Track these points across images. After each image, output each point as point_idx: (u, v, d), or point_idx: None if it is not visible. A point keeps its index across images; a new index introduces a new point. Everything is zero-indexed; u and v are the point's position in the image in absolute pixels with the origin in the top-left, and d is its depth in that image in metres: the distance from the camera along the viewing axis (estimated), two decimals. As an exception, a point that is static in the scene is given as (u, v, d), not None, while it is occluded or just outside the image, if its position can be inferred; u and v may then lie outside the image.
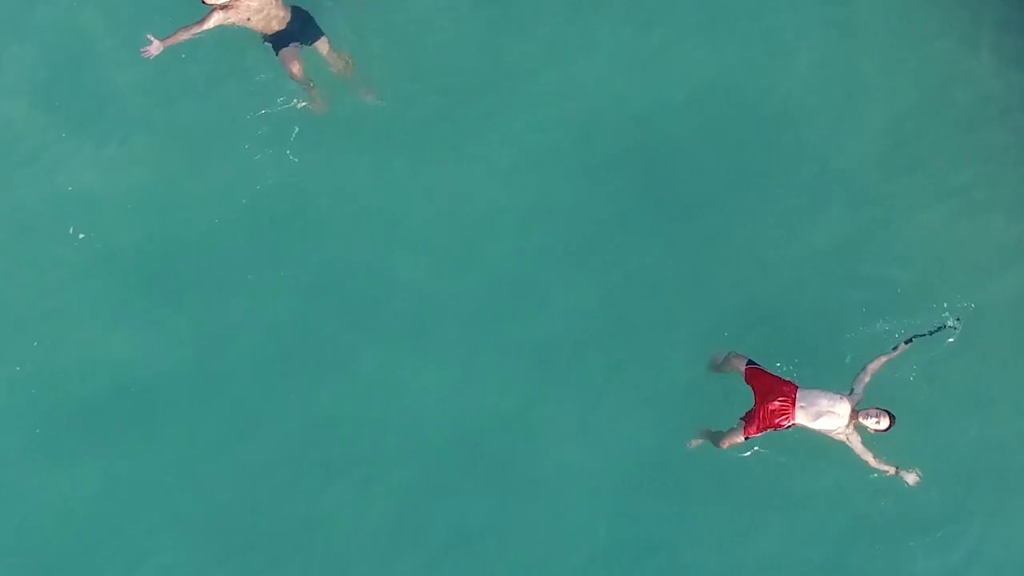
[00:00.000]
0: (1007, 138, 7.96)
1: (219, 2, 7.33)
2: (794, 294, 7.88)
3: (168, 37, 7.39)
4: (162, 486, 7.82)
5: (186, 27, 7.43)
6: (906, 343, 7.11)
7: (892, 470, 7.03)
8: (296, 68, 7.92)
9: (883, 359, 7.06)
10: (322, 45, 8.03)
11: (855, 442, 6.93)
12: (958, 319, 7.42)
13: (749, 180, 7.92)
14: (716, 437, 7.34)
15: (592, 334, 7.91)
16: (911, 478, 7.03)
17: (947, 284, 7.82)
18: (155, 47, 7.41)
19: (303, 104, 8.19)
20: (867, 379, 7.03)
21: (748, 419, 7.09)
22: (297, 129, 8.28)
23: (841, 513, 7.53)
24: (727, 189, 7.86)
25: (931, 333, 7.26)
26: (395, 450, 7.84)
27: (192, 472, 7.82)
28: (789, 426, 6.97)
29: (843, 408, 6.89)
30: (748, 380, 7.08)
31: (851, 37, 8.27)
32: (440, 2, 8.53)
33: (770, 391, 6.99)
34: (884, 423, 6.83)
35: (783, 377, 7.06)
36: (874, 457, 6.96)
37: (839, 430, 6.92)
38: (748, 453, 7.40)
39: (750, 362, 7.14)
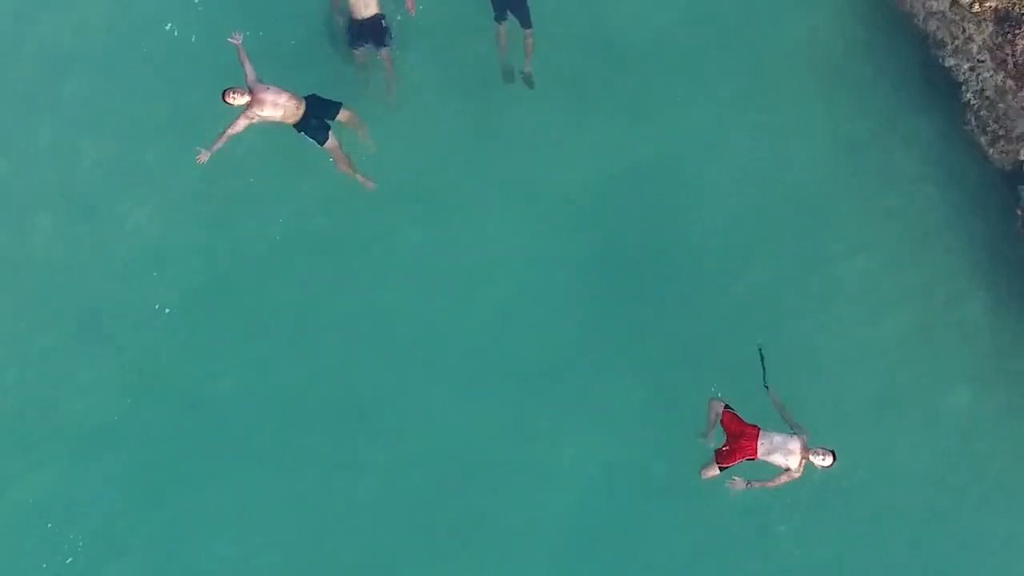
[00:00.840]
0: (901, 204, 9.82)
1: (241, 102, 8.99)
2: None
3: (212, 145, 9.06)
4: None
5: (221, 133, 9.08)
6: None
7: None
8: (334, 145, 9.66)
9: (778, 401, 8.60)
10: (342, 115, 9.64)
11: (796, 475, 8.35)
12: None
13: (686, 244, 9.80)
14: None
15: (575, 362, 9.74)
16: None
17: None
18: (204, 156, 9.12)
19: (340, 169, 9.89)
20: (788, 416, 8.49)
21: (720, 455, 8.60)
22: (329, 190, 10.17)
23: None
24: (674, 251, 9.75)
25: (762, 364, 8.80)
26: (408, 453, 9.66)
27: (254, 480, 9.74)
28: (752, 459, 8.48)
29: (796, 445, 8.29)
30: (724, 423, 8.60)
31: (771, 134, 10.06)
32: (438, 99, 10.31)
33: (740, 433, 8.51)
34: (828, 460, 8.24)
35: (746, 420, 8.55)
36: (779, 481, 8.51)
37: (791, 463, 8.29)
38: (726, 482, 8.68)
39: (727, 406, 8.65)
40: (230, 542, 9.63)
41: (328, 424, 9.72)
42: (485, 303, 9.76)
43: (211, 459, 9.73)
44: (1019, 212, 9.59)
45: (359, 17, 10.04)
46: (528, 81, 10.31)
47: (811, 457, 8.27)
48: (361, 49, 10.26)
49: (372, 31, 10.10)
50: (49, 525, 9.62)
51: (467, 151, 10.23)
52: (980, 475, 9.41)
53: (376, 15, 10.04)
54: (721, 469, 8.64)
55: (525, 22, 10.01)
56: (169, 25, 10.51)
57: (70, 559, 9.58)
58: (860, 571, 9.30)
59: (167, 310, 9.95)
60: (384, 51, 10.19)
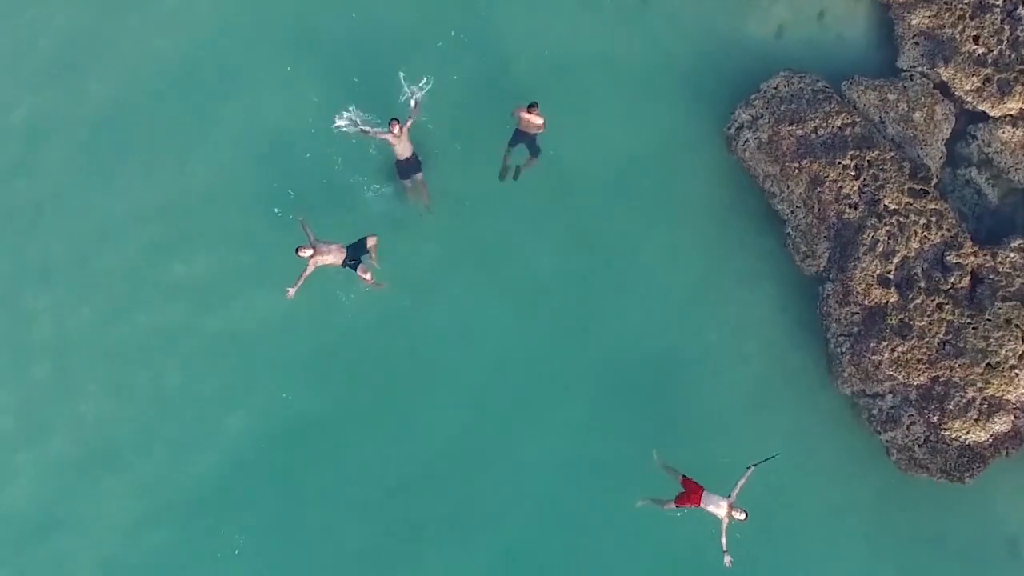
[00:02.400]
0: (744, 294, 15.44)
1: (308, 255, 14.06)
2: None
3: (295, 285, 14.07)
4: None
5: (299, 277, 14.06)
6: (750, 468, 13.47)
7: (724, 543, 13.42)
8: (367, 276, 14.63)
9: (743, 481, 13.40)
10: (370, 242, 14.62)
11: (724, 524, 13.34)
12: (777, 453, 13.82)
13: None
14: (660, 502, 13.83)
15: (537, 389, 14.99)
16: (727, 559, 13.51)
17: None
18: (291, 292, 14.16)
19: (365, 280, 14.76)
20: (738, 489, 13.36)
21: (678, 498, 13.64)
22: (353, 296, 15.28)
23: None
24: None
25: (764, 461, 13.64)
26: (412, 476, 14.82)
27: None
28: (696, 506, 13.60)
29: (724, 504, 13.37)
30: (682, 483, 13.68)
31: (663, 244, 15.57)
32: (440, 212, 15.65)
33: (691, 490, 13.59)
34: (742, 516, 13.33)
35: (698, 482, 13.62)
36: (725, 534, 13.42)
37: (722, 515, 13.31)
38: (678, 514, 13.89)
39: (684, 476, 13.72)
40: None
41: (357, 435, 14.93)
42: (469, 348, 15.17)
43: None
44: (819, 303, 15.26)
45: (402, 158, 15.29)
46: (518, 174, 15.43)
47: (734, 512, 13.38)
48: (408, 180, 15.52)
49: (413, 165, 15.37)
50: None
51: (458, 244, 15.49)
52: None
53: (413, 153, 15.30)
54: (676, 506, 13.75)
55: (533, 152, 15.21)
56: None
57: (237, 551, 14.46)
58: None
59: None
60: (420, 175, 15.47)
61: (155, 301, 15.43)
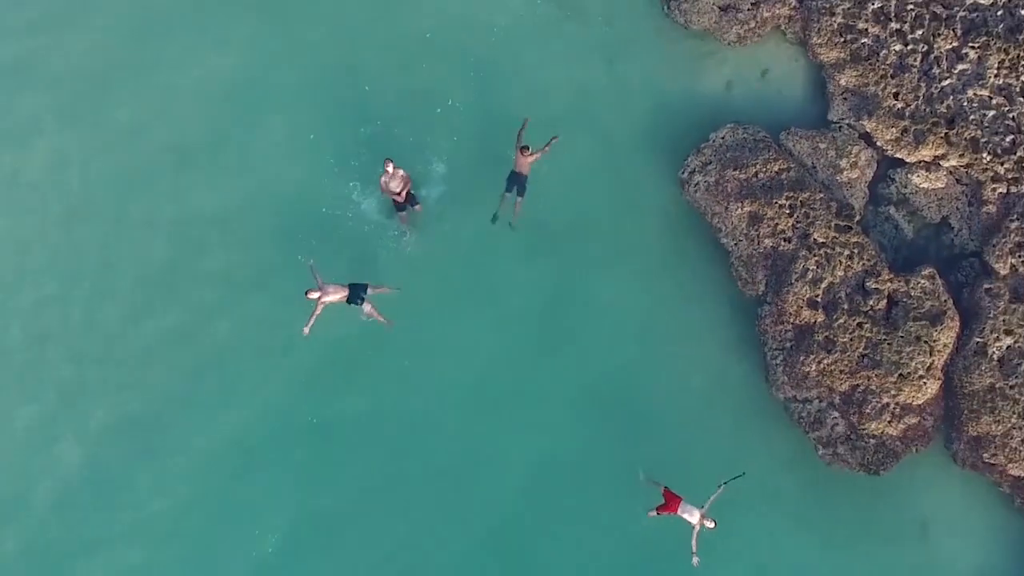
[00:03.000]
0: (698, 312, 18.13)
1: (316, 297, 16.67)
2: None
3: (307, 325, 16.67)
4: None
5: (310, 316, 16.68)
6: (721, 487, 16.01)
7: (694, 546, 16.04)
8: (368, 309, 17.32)
9: (714, 497, 15.89)
10: (370, 290, 17.22)
11: (696, 530, 15.90)
12: (744, 472, 16.29)
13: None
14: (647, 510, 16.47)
15: (525, 406, 17.75)
16: (695, 559, 16.18)
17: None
18: (306, 330, 16.77)
19: (374, 317, 17.43)
20: (710, 502, 15.85)
21: (659, 507, 16.19)
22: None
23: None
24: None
25: (733, 479, 16.16)
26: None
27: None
28: (673, 513, 16.19)
29: (697, 513, 15.92)
30: (663, 494, 16.26)
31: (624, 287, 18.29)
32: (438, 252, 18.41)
33: (670, 499, 16.16)
34: (712, 524, 15.91)
35: (677, 493, 16.18)
36: (695, 538, 16.04)
37: (694, 523, 15.91)
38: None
39: (666, 488, 16.33)
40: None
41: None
42: (460, 362, 17.90)
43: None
44: (757, 322, 17.93)
45: (396, 196, 17.98)
46: (512, 227, 18.15)
47: (705, 521, 16.00)
48: (402, 213, 18.28)
49: (407, 200, 18.09)
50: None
51: (454, 278, 18.26)
52: None
53: (406, 190, 17.88)
54: (657, 514, 16.33)
55: (521, 192, 17.86)
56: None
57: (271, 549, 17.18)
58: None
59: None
60: (418, 207, 18.21)
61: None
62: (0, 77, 19.15)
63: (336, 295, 17.08)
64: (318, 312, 16.88)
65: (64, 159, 18.80)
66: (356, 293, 17.20)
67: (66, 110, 18.98)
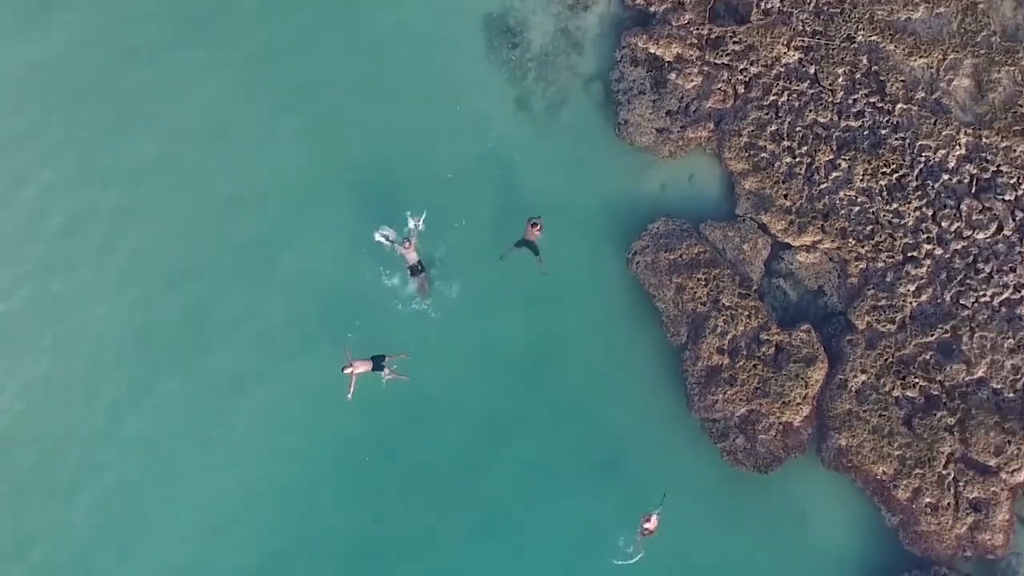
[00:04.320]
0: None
1: (349, 371, 23.28)
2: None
3: (348, 394, 23.37)
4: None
5: (349, 390, 23.28)
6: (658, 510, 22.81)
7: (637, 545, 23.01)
8: (386, 373, 23.79)
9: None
10: (388, 359, 24.00)
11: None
12: (664, 493, 22.94)
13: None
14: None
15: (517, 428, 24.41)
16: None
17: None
18: (349, 398, 23.44)
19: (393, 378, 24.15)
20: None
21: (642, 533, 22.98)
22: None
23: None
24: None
25: (662, 500, 22.91)
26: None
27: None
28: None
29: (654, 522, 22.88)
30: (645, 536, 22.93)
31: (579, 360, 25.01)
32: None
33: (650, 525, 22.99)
34: (652, 524, 22.63)
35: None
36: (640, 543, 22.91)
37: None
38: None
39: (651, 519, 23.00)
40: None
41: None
42: (461, 397, 24.57)
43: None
44: (681, 364, 24.54)
45: (412, 263, 24.69)
46: (545, 274, 24.43)
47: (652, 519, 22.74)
48: (416, 278, 24.93)
49: (419, 268, 24.76)
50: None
51: (452, 333, 24.92)
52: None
53: (419, 261, 24.63)
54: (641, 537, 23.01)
55: (536, 252, 24.32)
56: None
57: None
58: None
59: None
60: (424, 275, 24.82)
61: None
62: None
63: (364, 367, 23.58)
64: (353, 383, 23.41)
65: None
66: (379, 363, 23.76)
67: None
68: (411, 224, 25.03)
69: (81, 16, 26.78)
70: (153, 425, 24.56)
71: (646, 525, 22.75)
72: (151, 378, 24.78)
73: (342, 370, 23.34)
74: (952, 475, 23.82)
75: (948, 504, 23.70)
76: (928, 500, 23.68)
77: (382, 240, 25.18)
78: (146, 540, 23.96)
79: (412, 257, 24.71)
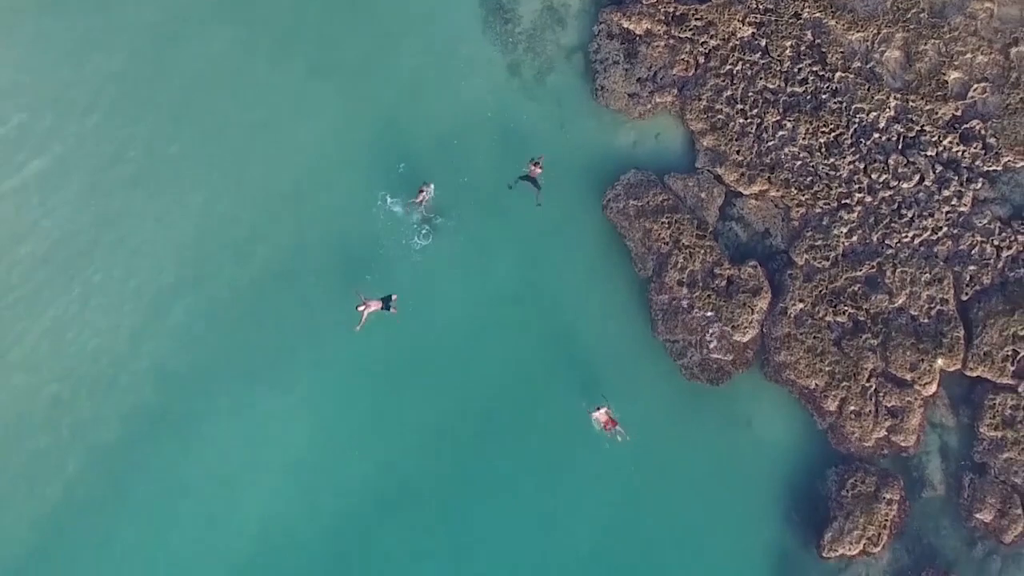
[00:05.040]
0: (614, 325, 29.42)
1: (362, 309, 27.85)
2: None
3: (360, 325, 28.03)
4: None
5: (360, 321, 27.91)
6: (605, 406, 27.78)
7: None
8: (393, 311, 28.35)
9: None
10: (395, 302, 28.47)
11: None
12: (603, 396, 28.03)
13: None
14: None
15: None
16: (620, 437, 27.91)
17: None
18: (358, 329, 27.97)
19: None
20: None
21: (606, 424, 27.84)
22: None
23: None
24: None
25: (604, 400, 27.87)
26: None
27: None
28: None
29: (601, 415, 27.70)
30: (604, 423, 27.75)
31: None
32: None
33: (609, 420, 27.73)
34: (602, 416, 27.48)
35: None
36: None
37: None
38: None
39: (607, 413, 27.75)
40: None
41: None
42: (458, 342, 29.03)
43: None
44: (648, 294, 29.00)
45: (422, 205, 29.18)
46: (537, 203, 29.01)
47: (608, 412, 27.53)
48: (420, 205, 29.25)
49: (384, 302, 29.24)
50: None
51: (457, 268, 29.39)
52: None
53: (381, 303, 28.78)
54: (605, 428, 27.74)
55: (538, 187, 28.82)
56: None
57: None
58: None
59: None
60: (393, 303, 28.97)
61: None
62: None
63: (374, 306, 28.12)
64: (364, 318, 28.03)
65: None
66: (386, 303, 28.27)
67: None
68: (425, 190, 29.53)
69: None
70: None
71: (595, 415, 27.57)
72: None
73: (357, 308, 27.81)
74: (873, 387, 28.41)
75: (869, 411, 28.30)
76: (853, 408, 28.29)
77: (394, 208, 29.67)
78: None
79: (424, 199, 29.18)
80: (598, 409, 27.78)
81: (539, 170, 28.94)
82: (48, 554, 27.51)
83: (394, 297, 28.27)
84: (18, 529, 27.60)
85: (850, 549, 27.65)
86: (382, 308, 28.13)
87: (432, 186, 29.34)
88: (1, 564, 27.44)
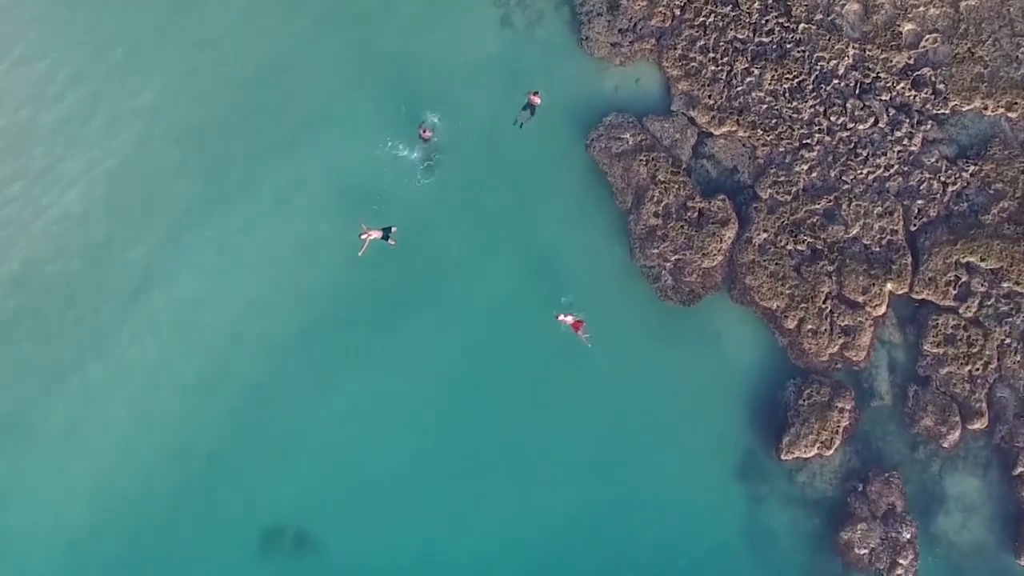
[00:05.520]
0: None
1: (364, 236, 30.88)
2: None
3: (362, 251, 31.03)
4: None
5: (363, 246, 31.02)
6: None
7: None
8: (392, 243, 31.43)
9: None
10: (394, 233, 31.58)
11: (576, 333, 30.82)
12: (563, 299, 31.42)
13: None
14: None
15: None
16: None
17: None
18: (360, 254, 31.00)
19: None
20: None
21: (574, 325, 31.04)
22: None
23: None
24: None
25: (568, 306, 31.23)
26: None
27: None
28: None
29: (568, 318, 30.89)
30: (573, 324, 30.97)
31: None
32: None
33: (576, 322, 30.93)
34: (569, 319, 30.68)
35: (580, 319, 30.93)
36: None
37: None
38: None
39: (576, 319, 30.95)
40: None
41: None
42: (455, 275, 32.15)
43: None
44: (628, 224, 32.11)
45: (426, 138, 32.21)
46: (521, 127, 32.30)
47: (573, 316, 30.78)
48: (426, 143, 32.39)
49: (431, 143, 32.27)
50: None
51: (452, 202, 32.46)
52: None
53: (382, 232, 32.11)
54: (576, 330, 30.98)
55: (532, 113, 32.01)
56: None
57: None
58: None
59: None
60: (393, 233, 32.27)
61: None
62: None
63: (375, 234, 31.17)
64: (366, 244, 31.07)
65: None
66: (386, 233, 31.31)
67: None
68: (430, 120, 32.68)
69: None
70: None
71: (562, 318, 30.86)
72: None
73: (360, 235, 30.83)
74: (829, 308, 31.69)
75: (825, 330, 31.60)
76: (810, 327, 31.58)
77: (397, 149, 32.69)
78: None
79: (429, 136, 32.20)
80: (565, 315, 30.89)
81: (538, 100, 32.18)
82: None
83: (393, 229, 31.25)
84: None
85: (805, 452, 31.07)
86: (382, 238, 31.11)
87: (435, 119, 32.30)
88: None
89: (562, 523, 30.96)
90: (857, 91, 32.88)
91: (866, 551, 30.68)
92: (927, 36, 33.10)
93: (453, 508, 31.04)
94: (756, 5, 33.32)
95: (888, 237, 31.93)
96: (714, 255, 31.84)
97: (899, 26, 33.10)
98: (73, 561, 30.60)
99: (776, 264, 31.82)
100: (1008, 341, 31.30)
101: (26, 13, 33.74)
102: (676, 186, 32.18)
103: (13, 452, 31.22)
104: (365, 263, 31.43)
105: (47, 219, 32.50)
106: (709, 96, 32.85)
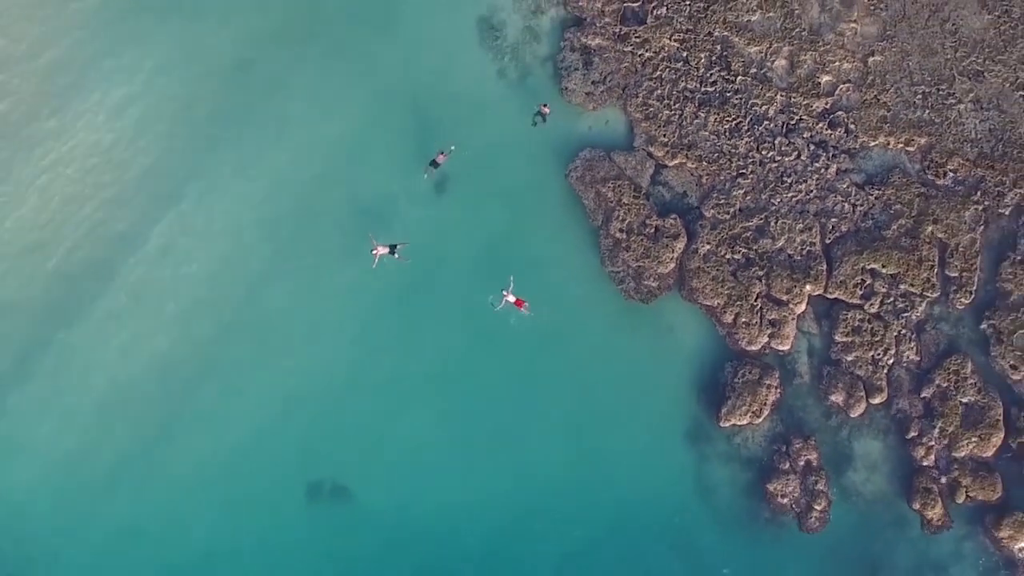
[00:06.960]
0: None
1: (375, 252, 38.76)
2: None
3: (374, 264, 38.99)
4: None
5: (373, 261, 39.00)
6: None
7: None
8: (398, 257, 39.33)
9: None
10: (399, 246, 39.48)
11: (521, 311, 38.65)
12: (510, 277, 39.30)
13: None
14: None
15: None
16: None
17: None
18: (373, 267, 39.01)
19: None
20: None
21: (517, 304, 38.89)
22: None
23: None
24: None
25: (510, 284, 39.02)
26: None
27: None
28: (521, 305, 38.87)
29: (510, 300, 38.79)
30: (516, 303, 38.77)
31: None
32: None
33: (517, 300, 38.72)
34: (512, 299, 38.52)
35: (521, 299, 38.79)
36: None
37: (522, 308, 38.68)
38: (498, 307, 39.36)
39: (518, 299, 38.76)
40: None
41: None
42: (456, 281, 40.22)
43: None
44: (599, 239, 40.08)
45: (438, 163, 40.25)
46: (535, 124, 40.75)
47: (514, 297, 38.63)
48: (434, 169, 40.43)
49: (439, 166, 40.31)
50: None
51: (456, 232, 40.47)
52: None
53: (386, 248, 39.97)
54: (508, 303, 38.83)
55: (544, 120, 40.27)
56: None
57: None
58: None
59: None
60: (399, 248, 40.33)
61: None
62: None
63: (383, 250, 38.90)
64: (376, 259, 38.80)
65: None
66: (392, 249, 39.05)
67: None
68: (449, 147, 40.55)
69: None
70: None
71: (507, 296, 38.40)
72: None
73: (371, 252, 38.78)
74: (759, 305, 39.61)
75: (756, 323, 39.51)
76: (744, 320, 39.50)
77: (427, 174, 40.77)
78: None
79: (440, 160, 40.21)
80: (508, 292, 38.30)
81: (547, 110, 40.50)
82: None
83: (399, 246, 39.01)
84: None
85: (740, 420, 38.98)
86: (389, 253, 38.91)
87: (452, 146, 40.03)
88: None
89: (544, 477, 38.82)
90: (784, 130, 40.84)
91: (788, 499, 38.49)
92: (841, 86, 41.05)
93: (458, 464, 38.96)
94: (703, 61, 41.35)
95: (808, 248, 39.82)
96: (667, 262, 39.76)
97: (819, 78, 41.08)
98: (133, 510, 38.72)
99: (717, 270, 39.73)
100: (904, 332, 39.16)
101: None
102: (637, 207, 40.14)
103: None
104: (379, 270, 39.39)
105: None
106: (664, 135, 40.84)
